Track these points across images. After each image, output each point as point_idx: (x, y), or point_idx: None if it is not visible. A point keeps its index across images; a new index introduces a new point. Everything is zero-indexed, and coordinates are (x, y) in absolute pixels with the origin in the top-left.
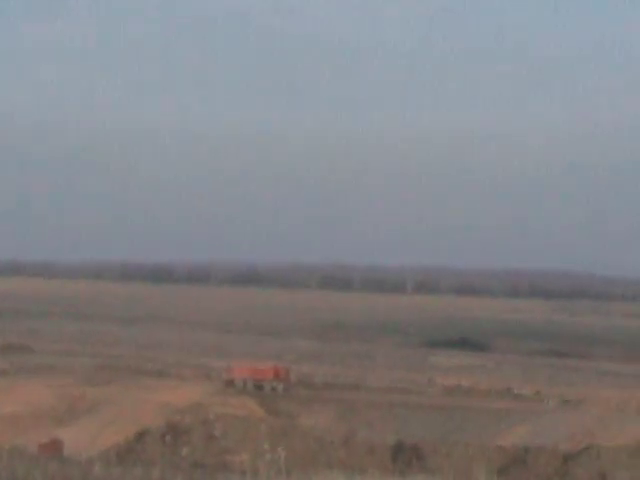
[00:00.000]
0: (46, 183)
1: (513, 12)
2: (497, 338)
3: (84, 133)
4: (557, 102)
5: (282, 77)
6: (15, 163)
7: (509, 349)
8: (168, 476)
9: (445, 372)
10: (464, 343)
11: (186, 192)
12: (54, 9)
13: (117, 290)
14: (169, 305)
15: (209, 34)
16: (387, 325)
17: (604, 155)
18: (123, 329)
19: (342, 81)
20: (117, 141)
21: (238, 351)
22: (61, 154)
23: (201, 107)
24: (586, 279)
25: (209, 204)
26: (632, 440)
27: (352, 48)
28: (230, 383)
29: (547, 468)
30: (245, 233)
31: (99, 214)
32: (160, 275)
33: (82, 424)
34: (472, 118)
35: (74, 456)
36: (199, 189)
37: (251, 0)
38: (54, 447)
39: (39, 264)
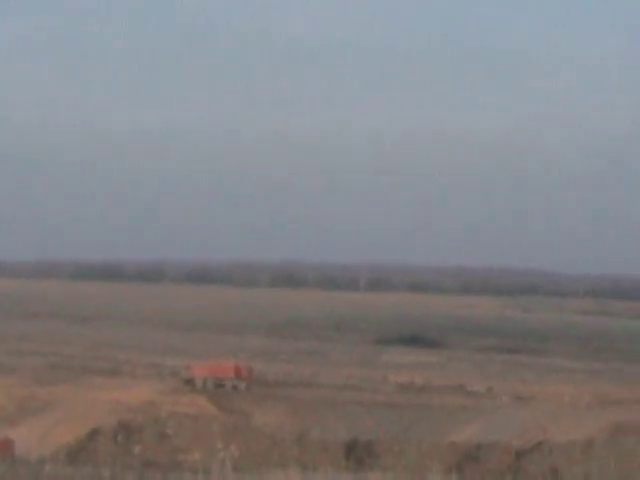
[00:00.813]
0: None
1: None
2: (450, 334)
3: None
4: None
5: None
6: None
7: (462, 345)
8: (119, 475)
9: (398, 369)
10: (417, 340)
11: (137, 190)
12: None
13: (68, 288)
14: (121, 303)
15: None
16: (340, 322)
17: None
18: (74, 327)
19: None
20: (70, 139)
21: (191, 349)
22: (14, 152)
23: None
24: (539, 276)
25: (160, 202)
26: (584, 435)
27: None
28: (190, 382)
29: (500, 464)
30: (197, 231)
31: (50, 212)
32: (111, 273)
33: (33, 423)
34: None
35: (25, 456)
36: (150, 188)
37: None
38: (5, 447)
39: None
